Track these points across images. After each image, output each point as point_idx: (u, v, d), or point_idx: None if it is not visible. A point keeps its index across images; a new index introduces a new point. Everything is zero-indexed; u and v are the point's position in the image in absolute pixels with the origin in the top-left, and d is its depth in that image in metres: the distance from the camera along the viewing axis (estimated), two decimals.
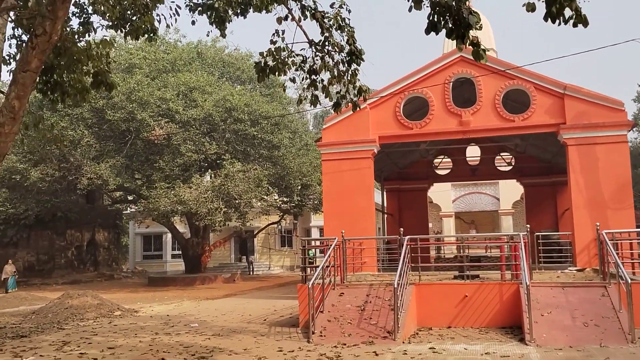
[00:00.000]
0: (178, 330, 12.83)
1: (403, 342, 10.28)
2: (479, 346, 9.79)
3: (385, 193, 27.32)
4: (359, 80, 11.57)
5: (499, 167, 26.21)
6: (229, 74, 31.29)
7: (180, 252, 36.16)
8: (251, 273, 38.83)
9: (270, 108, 27.76)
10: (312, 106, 12.31)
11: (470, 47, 7.72)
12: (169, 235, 40.38)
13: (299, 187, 30.25)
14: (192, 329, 13.10)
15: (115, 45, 28.23)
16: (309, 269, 13.25)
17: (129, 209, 39.67)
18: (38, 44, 9.31)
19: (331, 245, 12.53)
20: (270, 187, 27.93)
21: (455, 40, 7.74)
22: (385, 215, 27.23)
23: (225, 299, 21.83)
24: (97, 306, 17.91)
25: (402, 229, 13.08)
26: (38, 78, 12.30)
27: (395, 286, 10.54)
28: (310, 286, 10.65)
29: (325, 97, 11.74)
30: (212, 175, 27.22)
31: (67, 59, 10.53)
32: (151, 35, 11.51)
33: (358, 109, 11.69)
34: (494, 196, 43.37)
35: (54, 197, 30.02)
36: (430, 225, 29.05)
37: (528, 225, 15.03)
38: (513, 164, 25.52)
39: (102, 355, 9.84)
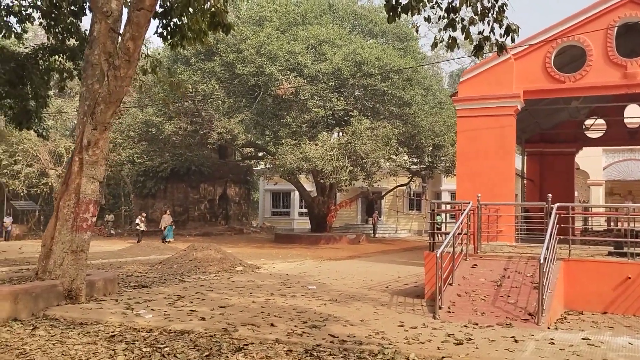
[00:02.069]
0: (294, 292, 12.08)
1: (548, 328, 8.67)
2: None
3: (525, 156, 24.93)
4: (506, 17, 9.83)
5: None
6: (360, 26, 29.90)
7: (306, 210, 36.01)
8: (374, 235, 37.90)
9: (403, 62, 26.10)
10: (450, 50, 10.73)
11: None
12: (297, 192, 40.45)
13: (430, 148, 28.49)
14: (309, 291, 12.29)
15: None
16: (437, 235, 11.81)
17: (259, 165, 40.12)
18: None
19: (464, 210, 11.00)
20: (399, 147, 26.46)
21: None
22: (525, 181, 24.90)
23: (348, 261, 21.03)
24: (219, 260, 17.82)
25: (549, 195, 11.23)
26: (157, 22, 11.83)
27: (542, 261, 8.89)
28: (438, 255, 9.30)
29: (465, 38, 10.10)
30: (339, 132, 26.21)
31: None
32: None
33: (504, 52, 9.96)
34: None
35: (188, 150, 30.79)
36: (575, 193, 26.15)
37: None
38: None
39: (211, 315, 9.25)
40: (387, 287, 13.17)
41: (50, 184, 36.25)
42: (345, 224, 41.47)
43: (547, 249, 9.36)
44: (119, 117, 29.43)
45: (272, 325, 8.44)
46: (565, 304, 10.40)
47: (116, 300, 10.42)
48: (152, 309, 9.62)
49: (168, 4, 11.06)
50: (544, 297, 8.92)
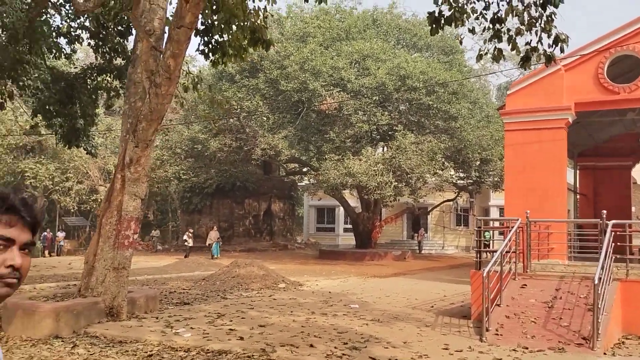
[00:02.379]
0: (336, 311, 11.81)
1: (604, 354, 8.15)
2: None
3: (578, 171, 24.04)
4: (555, 27, 9.45)
5: None
6: (404, 40, 29.62)
7: (351, 226, 35.69)
8: (420, 251, 37.25)
9: (448, 76, 25.67)
10: (495, 62, 10.39)
11: None
12: (342, 208, 40.18)
13: (478, 162, 27.84)
14: (350, 310, 12.00)
15: (289, 14, 28.03)
16: (484, 253, 11.37)
17: (303, 180, 40.10)
18: None
19: (513, 227, 10.55)
20: (445, 161, 25.94)
21: None
22: (577, 196, 24.00)
23: (393, 279, 20.61)
24: (262, 277, 17.70)
25: (604, 212, 10.67)
26: (199, 39, 11.89)
27: (596, 282, 8.39)
28: (485, 274, 8.90)
29: (512, 50, 9.78)
30: (384, 147, 25.88)
31: (223, 14, 9.73)
32: None
33: (553, 63, 9.57)
34: None
35: (232, 167, 31.01)
36: (632, 209, 25.06)
37: None
38: None
39: (250, 334, 9.08)
40: (432, 307, 12.76)
41: (99, 200, 37.06)
42: (390, 240, 40.92)
43: (602, 268, 8.85)
44: (165, 134, 29.95)
45: (311, 346, 8.21)
46: (623, 328, 9.81)
47: (157, 318, 10.37)
48: (191, 327, 9.52)
49: (209, 22, 11.09)
50: (599, 320, 8.40)
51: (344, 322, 10.48)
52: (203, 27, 11.33)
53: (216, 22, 10.77)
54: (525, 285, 10.38)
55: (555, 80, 15.85)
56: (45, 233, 34.21)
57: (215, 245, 29.33)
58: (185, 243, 30.44)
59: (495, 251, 9.90)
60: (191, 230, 31.97)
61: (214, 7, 10.25)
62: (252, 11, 9.80)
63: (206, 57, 11.62)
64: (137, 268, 24.25)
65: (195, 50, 11.61)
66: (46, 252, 33.58)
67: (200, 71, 15.25)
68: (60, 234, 35.39)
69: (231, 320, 10.31)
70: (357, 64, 25.81)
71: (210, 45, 11.57)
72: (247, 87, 26.64)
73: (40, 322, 8.81)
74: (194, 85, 11.30)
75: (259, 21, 9.76)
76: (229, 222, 37.32)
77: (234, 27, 10.26)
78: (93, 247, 10.58)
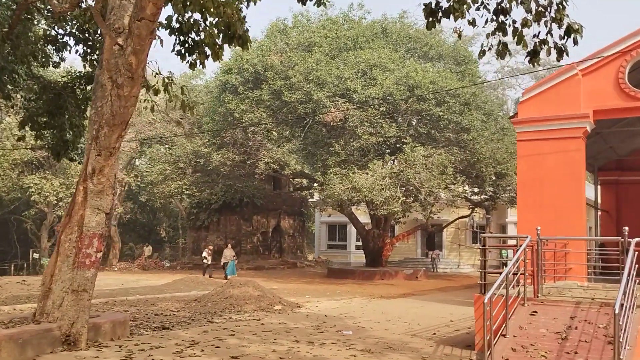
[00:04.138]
0: (325, 338, 10.60)
1: None
2: None
3: (599, 186, 22.64)
4: (567, 15, 8.29)
5: None
6: (414, 50, 28.47)
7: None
8: (434, 270, 35.80)
9: (458, 85, 24.43)
10: (500, 58, 9.22)
11: None
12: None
13: (492, 177, 26.44)
14: (342, 338, 10.78)
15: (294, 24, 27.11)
16: (489, 275, 10.10)
17: (313, 196, 38.98)
18: None
19: (521, 245, 9.29)
20: (457, 175, 24.61)
21: None
22: (599, 213, 22.57)
23: (400, 300, 19.30)
24: (257, 298, 16.53)
25: (626, 228, 9.37)
26: (174, 39, 10.90)
27: (617, 310, 7.09)
28: (487, 300, 7.65)
29: (518, 43, 8.61)
30: (392, 160, 24.62)
31: (193, 6, 8.71)
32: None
33: (565, 56, 8.37)
34: None
35: (238, 182, 30.02)
36: None
37: None
38: None
39: None
40: (434, 334, 11.49)
41: None
42: (404, 257, 39.51)
43: (624, 293, 7.56)
44: (169, 148, 29.12)
45: None
46: None
47: (120, 347, 9.25)
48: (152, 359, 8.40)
49: (183, 18, 10.09)
50: (622, 356, 7.11)
51: (330, 352, 9.27)
52: (178, 24, 10.32)
53: (188, 18, 9.77)
54: (536, 312, 9.09)
55: (572, 85, 14.67)
56: None
57: (231, 264, 27.27)
58: (204, 261, 28.35)
59: (501, 273, 8.63)
60: (210, 247, 29.91)
61: (187, 2, 9.23)
62: (224, 4, 8.75)
63: (182, 57, 10.61)
64: (133, 287, 23.35)
65: (171, 51, 10.62)
66: None
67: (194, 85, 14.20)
68: None
69: (202, 350, 9.16)
70: (363, 73, 24.71)
71: (186, 45, 10.55)
72: (251, 99, 25.69)
73: None
74: (164, 87, 10.29)
75: (231, 14, 8.70)
76: (236, 239, 36.24)
77: (206, 22, 9.26)
78: (50, 267, 9.53)
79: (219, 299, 16.63)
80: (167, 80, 10.30)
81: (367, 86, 23.88)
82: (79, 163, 19.19)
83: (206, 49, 10.19)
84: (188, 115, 32.45)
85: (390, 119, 24.49)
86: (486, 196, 29.28)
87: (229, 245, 29.45)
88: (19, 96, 17.87)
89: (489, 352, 7.64)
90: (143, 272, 33.74)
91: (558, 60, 8.47)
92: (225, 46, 10.18)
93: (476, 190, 29.01)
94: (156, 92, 10.36)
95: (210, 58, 10.20)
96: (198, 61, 10.52)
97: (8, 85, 16.13)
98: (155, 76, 10.32)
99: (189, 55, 10.59)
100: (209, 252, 28.61)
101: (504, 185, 27.47)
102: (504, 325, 8.55)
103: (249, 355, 8.92)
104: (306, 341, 10.27)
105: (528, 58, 8.68)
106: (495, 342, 8.18)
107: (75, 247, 9.39)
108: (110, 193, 9.64)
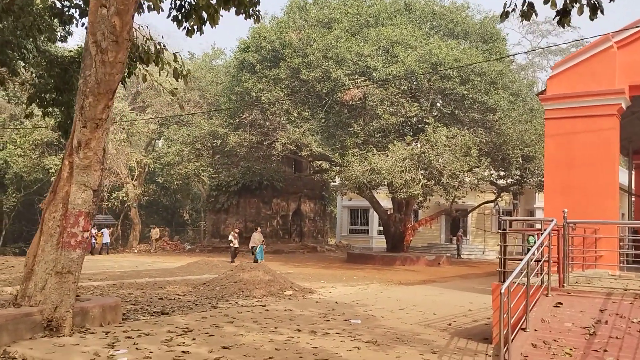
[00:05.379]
0: (330, 328, 9.83)
1: None
2: None
3: (634, 170, 21.36)
4: None
5: None
6: (439, 27, 27.25)
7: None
8: (459, 256, 34.76)
9: (487, 64, 23.21)
10: (525, 20, 8.24)
11: None
12: None
13: (519, 160, 25.23)
14: (348, 327, 9.99)
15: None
16: (510, 262, 9.18)
17: (336, 179, 38.12)
18: None
19: (545, 230, 8.35)
20: (481, 158, 23.47)
21: None
22: (633, 198, 21.31)
23: (418, 287, 18.45)
24: (267, 283, 15.86)
25: None
26: (170, 2, 10.13)
27: None
28: (504, 290, 6.77)
29: (545, 2, 7.65)
30: (413, 141, 23.56)
31: None
32: None
33: (599, 13, 7.37)
34: None
35: (256, 164, 29.34)
36: None
37: None
38: None
39: (205, 358, 7.24)
40: (450, 325, 10.63)
41: (120, 197, 36.04)
42: (427, 243, 38.53)
43: None
44: (186, 129, 28.48)
45: None
46: None
47: (106, 334, 8.60)
48: (136, 348, 7.73)
49: None
50: None
51: (332, 343, 8.49)
52: None
53: None
54: (561, 303, 8.16)
55: (606, 59, 13.50)
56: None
57: (259, 249, 25.98)
58: (231, 244, 27.02)
59: (521, 260, 7.72)
60: (237, 230, 28.57)
61: None
62: None
63: (179, 23, 9.84)
64: (146, 269, 22.92)
65: (167, 17, 9.85)
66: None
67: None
68: (106, 230, 33.97)
69: (193, 339, 8.46)
70: (385, 51, 23.65)
71: (182, 10, 9.77)
72: (268, 78, 24.87)
73: None
74: (156, 55, 9.53)
75: None
76: (255, 222, 35.58)
77: None
78: (34, 247, 8.90)
79: (228, 283, 16.02)
80: (158, 47, 9.53)
81: (388, 64, 22.84)
82: None
83: (203, 14, 9.41)
84: (207, 96, 31.87)
85: (411, 98, 23.45)
86: (513, 180, 28.08)
87: (258, 229, 28.13)
88: (26, 72, 17.36)
89: (505, 349, 6.77)
90: (160, 255, 33.41)
91: (591, 19, 7.44)
92: (243, 21, 9.40)
93: (502, 173, 27.82)
94: (146, 60, 9.60)
95: (207, 24, 9.41)
96: (196, 27, 9.75)
97: (18, 61, 15.65)
98: (145, 42, 9.56)
99: (186, 21, 9.82)
100: (235, 235, 27.32)
101: (531, 169, 26.25)
102: (524, 317, 7.67)
103: (243, 345, 8.19)
104: (309, 330, 9.51)
105: (557, 18, 7.69)
106: (514, 337, 7.31)
107: (59, 225, 8.74)
108: (98, 169, 8.95)
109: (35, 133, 34.74)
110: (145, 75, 9.77)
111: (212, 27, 9.32)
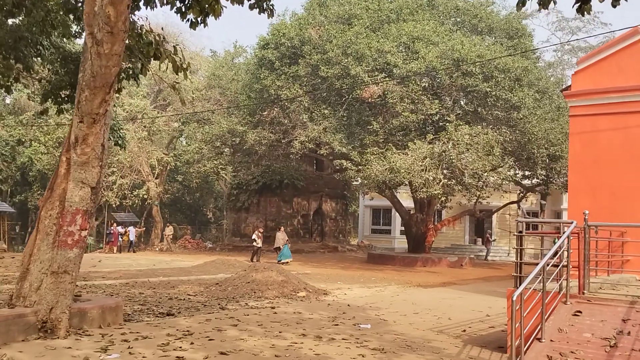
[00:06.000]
0: (337, 333, 9.40)
1: None
2: None
3: None
4: None
5: None
6: (462, 23, 26.57)
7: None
8: (487, 258, 33.99)
9: (511, 60, 22.49)
10: (543, 8, 7.74)
11: None
12: None
13: (545, 159, 24.44)
14: (357, 332, 9.56)
15: None
16: (527, 267, 8.64)
17: (358, 179, 37.62)
18: None
19: (565, 232, 7.80)
20: (505, 157, 22.76)
21: None
22: None
23: (437, 289, 17.90)
24: (280, 283, 15.48)
25: None
26: None
27: None
28: (515, 297, 6.26)
29: None
30: (435, 140, 22.94)
31: None
32: None
33: (623, 0, 6.82)
34: None
35: (275, 162, 29.04)
36: None
37: None
38: None
39: None
40: (464, 331, 10.13)
41: (141, 195, 36.05)
42: (451, 244, 37.80)
43: None
44: (203, 127, 28.28)
45: None
46: None
47: (102, 336, 8.31)
48: (130, 352, 7.41)
49: None
50: None
51: (336, 350, 8.07)
52: None
53: None
54: (580, 312, 7.60)
55: (635, 53, 12.81)
56: (112, 228, 33.35)
57: (285, 248, 25.68)
58: (254, 243, 26.23)
59: (537, 264, 7.19)
60: (261, 230, 27.96)
61: None
62: None
63: (182, 15, 9.52)
64: (162, 268, 22.75)
65: (171, 9, 9.55)
66: (114, 248, 32.72)
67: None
68: (132, 228, 34.12)
69: (192, 344, 8.12)
70: (405, 47, 23.09)
71: (185, 2, 9.44)
72: (287, 75, 24.51)
73: None
74: (155, 48, 9.22)
75: None
76: (276, 221, 35.31)
77: None
78: (30, 245, 8.66)
79: (241, 283, 15.69)
80: (157, 39, 9.22)
81: (408, 60, 22.29)
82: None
83: (205, 4, 9.07)
84: (227, 93, 31.65)
85: (433, 96, 22.85)
86: (538, 180, 27.27)
87: (281, 228, 27.73)
88: (44, 68, 17.27)
89: (519, 359, 6.27)
90: (180, 253, 33.32)
91: (614, 6, 6.89)
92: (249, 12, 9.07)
93: (527, 173, 27.03)
94: (146, 53, 9.29)
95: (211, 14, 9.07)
96: (199, 20, 9.42)
97: (33, 57, 15.55)
98: (144, 34, 9.24)
99: (189, 12, 9.49)
100: (259, 234, 26.61)
101: (558, 169, 25.43)
102: (539, 326, 7.14)
103: (242, 351, 7.82)
104: (314, 335, 9.10)
105: (577, 5, 7.16)
106: (528, 347, 6.80)
107: (56, 224, 8.48)
108: (96, 165, 8.66)
109: (59, 130, 34.95)
110: (144, 68, 9.46)
111: (215, 19, 8.97)
